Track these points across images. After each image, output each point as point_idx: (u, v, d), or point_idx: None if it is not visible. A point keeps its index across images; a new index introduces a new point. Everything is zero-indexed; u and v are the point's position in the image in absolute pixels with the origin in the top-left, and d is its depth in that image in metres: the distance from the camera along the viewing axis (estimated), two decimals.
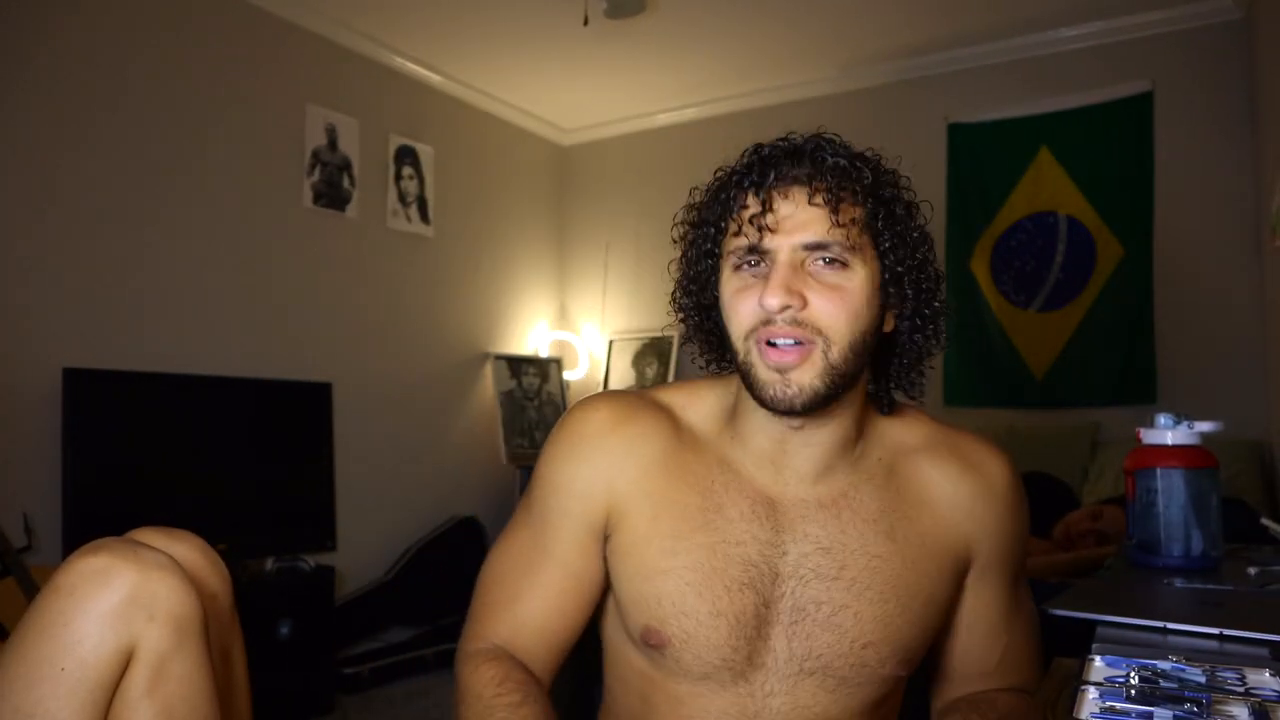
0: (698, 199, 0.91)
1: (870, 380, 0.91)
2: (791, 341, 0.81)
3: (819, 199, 0.80)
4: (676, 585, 0.86)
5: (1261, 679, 0.67)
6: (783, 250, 0.81)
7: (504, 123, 4.42)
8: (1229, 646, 0.84)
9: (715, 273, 0.88)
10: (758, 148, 0.86)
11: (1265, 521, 1.34)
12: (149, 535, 0.95)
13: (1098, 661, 0.72)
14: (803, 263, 0.81)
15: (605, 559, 0.93)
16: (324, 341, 3.46)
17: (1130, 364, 3.39)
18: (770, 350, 0.81)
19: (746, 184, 0.84)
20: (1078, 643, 0.86)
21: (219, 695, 0.92)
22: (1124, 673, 0.68)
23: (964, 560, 0.92)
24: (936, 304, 0.88)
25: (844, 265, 0.81)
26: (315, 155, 3.44)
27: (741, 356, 0.84)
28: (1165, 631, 0.89)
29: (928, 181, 3.72)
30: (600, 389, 4.40)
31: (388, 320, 3.75)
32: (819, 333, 0.81)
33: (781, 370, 0.81)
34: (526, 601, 0.93)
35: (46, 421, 2.57)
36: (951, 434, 0.95)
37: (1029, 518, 0.96)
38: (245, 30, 3.22)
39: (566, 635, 0.94)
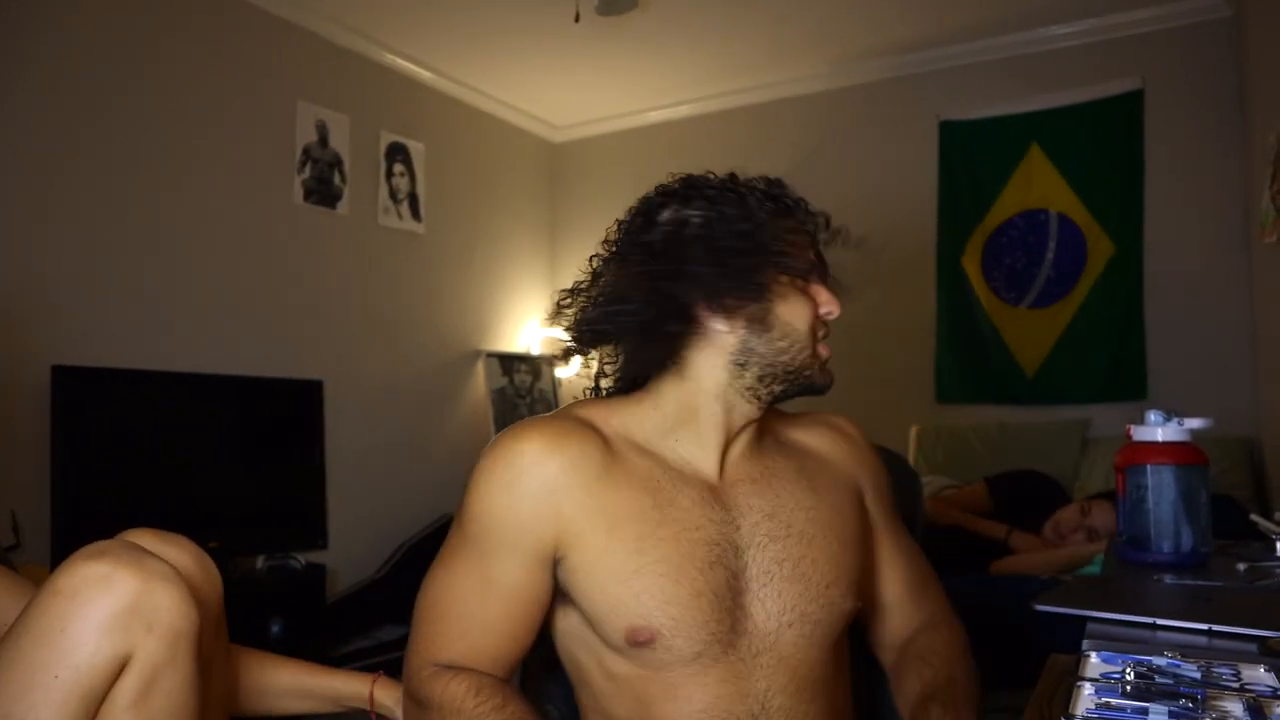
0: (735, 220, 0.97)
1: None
2: None
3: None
4: (652, 579, 0.90)
5: (1256, 674, 0.67)
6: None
7: (495, 119, 4.41)
8: (1218, 642, 0.85)
9: (757, 289, 0.93)
10: (770, 184, 1.00)
11: (1254, 518, 1.35)
12: (143, 537, 0.93)
13: (1093, 658, 0.72)
14: None
15: (559, 581, 0.94)
16: (315, 339, 3.45)
17: (1121, 361, 3.41)
18: (821, 346, 0.99)
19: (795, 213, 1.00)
20: (1068, 638, 0.86)
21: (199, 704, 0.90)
22: (1119, 669, 0.68)
23: (860, 498, 1.08)
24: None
25: None
26: (306, 152, 3.43)
27: (794, 356, 0.95)
28: (1155, 628, 0.90)
29: (919, 179, 3.79)
30: (591, 385, 4.39)
31: (379, 317, 3.73)
32: None
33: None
34: (479, 636, 0.94)
35: (35, 419, 2.55)
36: (803, 414, 1.12)
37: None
38: (236, 26, 3.20)
39: (518, 656, 0.97)
